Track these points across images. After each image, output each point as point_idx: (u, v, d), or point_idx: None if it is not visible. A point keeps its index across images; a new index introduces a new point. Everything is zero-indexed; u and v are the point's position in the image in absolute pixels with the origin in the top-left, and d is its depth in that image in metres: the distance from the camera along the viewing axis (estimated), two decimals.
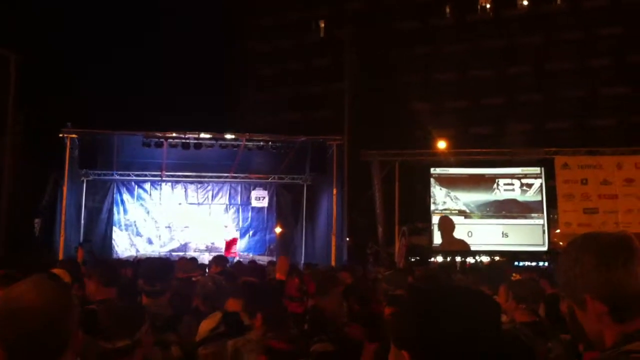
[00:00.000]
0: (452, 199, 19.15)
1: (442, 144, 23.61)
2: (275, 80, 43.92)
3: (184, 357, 3.35)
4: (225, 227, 19.74)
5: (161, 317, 3.81)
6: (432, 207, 19.04)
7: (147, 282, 4.12)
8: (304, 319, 4.88)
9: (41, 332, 1.58)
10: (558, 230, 19.87)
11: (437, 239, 18.72)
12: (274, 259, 18.27)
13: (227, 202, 20.45)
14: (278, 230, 20.58)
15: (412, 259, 19.02)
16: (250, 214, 20.56)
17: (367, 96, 34.76)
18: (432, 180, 19.35)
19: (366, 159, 19.45)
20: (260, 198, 20.40)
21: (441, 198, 19.21)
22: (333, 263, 15.87)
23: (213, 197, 20.45)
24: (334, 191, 17.53)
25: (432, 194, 19.18)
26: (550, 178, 19.02)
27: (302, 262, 17.23)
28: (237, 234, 19.72)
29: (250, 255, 18.75)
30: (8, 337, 1.58)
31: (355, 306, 5.73)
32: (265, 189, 20.55)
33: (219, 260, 9.04)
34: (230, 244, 18.86)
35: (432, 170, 19.56)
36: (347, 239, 19.06)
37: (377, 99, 37.35)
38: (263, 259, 17.45)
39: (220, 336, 2.82)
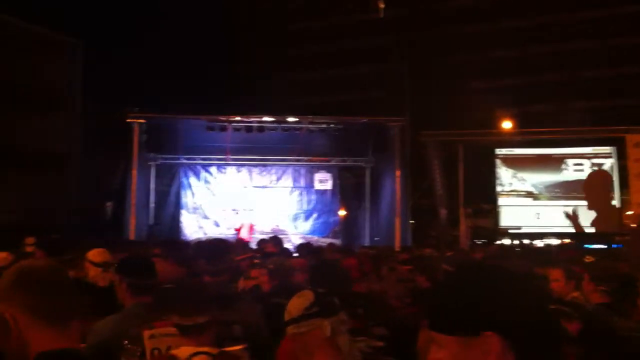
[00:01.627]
0: (518, 180, 18.75)
1: (507, 124, 23.04)
2: (327, 61, 43.69)
3: (246, 335, 3.41)
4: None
5: (222, 296, 3.93)
6: (498, 188, 18.70)
7: (208, 262, 4.27)
8: (361, 301, 4.89)
9: None
10: (630, 212, 19.18)
11: (504, 220, 18.36)
12: (339, 241, 18.39)
13: (291, 185, 20.58)
14: (341, 212, 20.61)
15: (478, 242, 18.73)
16: (314, 196, 20.62)
17: (425, 76, 34.24)
18: (497, 161, 18.95)
19: (427, 140, 19.18)
20: (323, 180, 20.42)
21: (507, 179, 18.82)
22: (397, 245, 15.78)
23: (277, 180, 20.60)
24: (397, 173, 17.39)
25: (497, 175, 18.79)
26: (621, 157, 18.33)
27: (366, 244, 17.24)
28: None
29: (315, 237, 18.82)
30: None
31: (424, 283, 5.71)
32: (329, 172, 20.56)
33: (275, 241, 9.17)
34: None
35: (497, 151, 19.14)
36: (411, 221, 18.92)
37: (435, 79, 36.74)
38: (327, 242, 17.53)
39: (315, 315, 2.81)
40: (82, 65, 21.00)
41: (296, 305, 2.87)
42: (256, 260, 6.60)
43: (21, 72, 19.21)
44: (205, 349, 2.71)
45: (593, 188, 18.55)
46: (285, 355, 3.16)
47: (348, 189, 20.76)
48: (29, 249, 6.58)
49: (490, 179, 19.35)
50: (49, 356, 1.81)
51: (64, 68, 20.80)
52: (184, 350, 2.65)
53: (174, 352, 2.69)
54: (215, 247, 4.94)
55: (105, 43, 20.94)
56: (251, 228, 18.48)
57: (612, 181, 18.60)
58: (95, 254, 4.96)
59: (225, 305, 3.64)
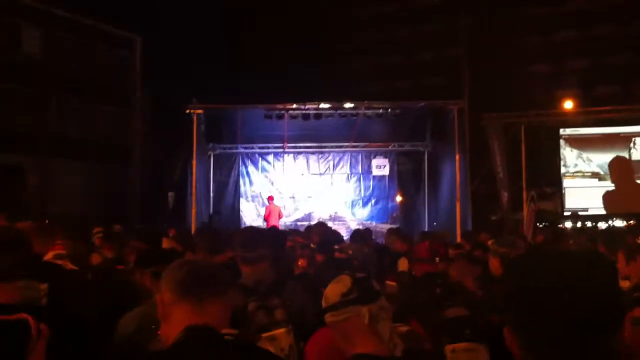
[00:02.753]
0: (584, 161, 18.09)
1: (568, 104, 22.23)
2: (383, 47, 43.20)
3: (288, 320, 3.42)
4: (295, 200, 19.77)
5: (263, 282, 4.00)
6: (563, 169, 18.08)
7: (243, 250, 4.25)
8: (436, 280, 4.80)
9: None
10: None
11: (569, 203, 17.75)
12: (397, 227, 18.19)
13: (349, 172, 20.51)
14: (399, 198, 20.41)
15: (541, 225, 18.20)
16: (371, 182, 20.49)
17: (484, 60, 33.42)
18: (561, 141, 18.31)
19: (489, 122, 18.72)
20: (381, 166, 20.27)
21: (572, 160, 18.19)
22: (458, 231, 15.51)
23: (334, 166, 20.57)
24: (457, 157, 17.04)
25: (562, 156, 18.17)
26: None
27: (426, 230, 17.02)
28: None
29: (373, 223, 18.72)
30: None
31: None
32: (386, 157, 20.38)
33: (319, 228, 9.10)
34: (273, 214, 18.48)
35: (561, 131, 18.49)
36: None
37: (494, 62, 35.80)
38: (385, 227, 17.37)
39: (353, 302, 2.71)
40: (142, 59, 21.52)
41: (333, 291, 2.78)
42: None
43: (87, 67, 19.85)
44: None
45: None
46: (323, 343, 3.13)
47: (406, 175, 20.53)
48: (97, 239, 6.75)
49: (554, 160, 18.73)
50: None
51: (126, 63, 21.36)
52: None
53: None
54: (250, 235, 4.93)
55: (162, 37, 21.31)
56: (280, 214, 18.47)
57: None
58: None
59: (266, 292, 3.78)
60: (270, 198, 18.81)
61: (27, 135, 17.53)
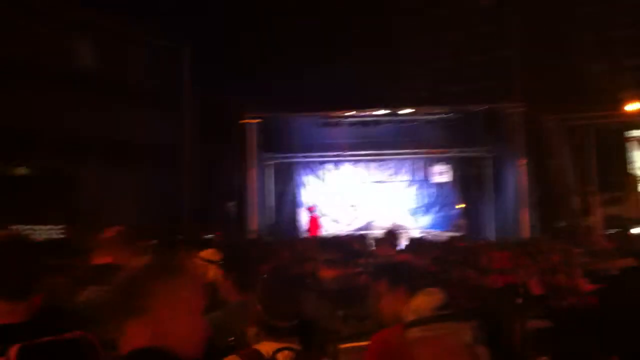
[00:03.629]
0: None
1: (636, 105, 21.18)
2: (434, 51, 42.46)
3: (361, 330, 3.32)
4: (355, 209, 19.54)
5: (345, 291, 3.99)
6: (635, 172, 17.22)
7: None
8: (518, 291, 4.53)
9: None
10: None
11: None
12: (462, 234, 17.69)
13: (409, 179, 20.11)
14: (460, 205, 19.87)
15: (611, 231, 17.34)
16: (433, 189, 20.04)
17: (538, 60, 32.46)
18: (628, 144, 17.48)
19: (552, 125, 18.01)
20: (442, 173, 19.82)
21: None
22: (527, 237, 14.95)
23: (394, 174, 20.21)
24: (523, 161, 16.46)
25: (632, 158, 17.34)
26: None
27: (492, 237, 16.48)
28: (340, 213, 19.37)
29: (436, 231, 18.25)
30: None
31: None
32: (447, 163, 19.90)
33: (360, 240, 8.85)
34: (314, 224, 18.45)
35: (628, 133, 17.66)
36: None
37: (549, 62, 34.68)
38: (448, 236, 16.92)
39: (449, 318, 2.44)
40: (191, 67, 21.62)
41: (424, 303, 2.52)
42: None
43: (138, 75, 20.13)
44: (288, 344, 2.71)
45: None
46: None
47: (468, 181, 19.97)
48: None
49: (623, 163, 17.89)
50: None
51: (175, 70, 21.56)
52: (267, 346, 2.65)
53: (257, 346, 2.70)
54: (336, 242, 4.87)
55: (212, 43, 21.36)
56: (316, 222, 18.30)
57: None
58: (208, 254, 4.97)
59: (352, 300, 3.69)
60: (312, 208, 18.75)
61: (80, 143, 17.81)
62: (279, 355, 2.70)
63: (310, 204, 19.29)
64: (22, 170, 18.28)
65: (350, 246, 7.07)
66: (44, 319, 2.29)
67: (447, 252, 8.32)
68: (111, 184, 17.57)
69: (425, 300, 2.53)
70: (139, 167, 18.68)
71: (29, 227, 16.13)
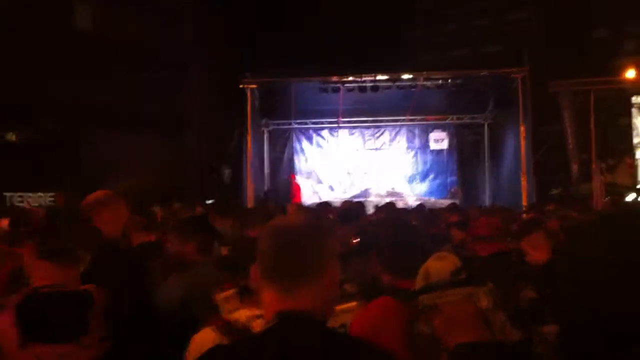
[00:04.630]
0: None
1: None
2: (440, 16, 42.00)
3: (362, 292, 3.30)
4: (351, 176, 19.54)
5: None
6: (635, 140, 17.05)
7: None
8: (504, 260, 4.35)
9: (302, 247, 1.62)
10: None
11: None
12: (457, 202, 17.57)
13: (406, 146, 19.92)
14: (459, 172, 19.73)
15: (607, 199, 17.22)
16: (429, 156, 19.86)
17: (540, 25, 32.11)
18: (633, 110, 17.28)
19: (556, 89, 17.75)
20: (439, 140, 19.63)
21: None
22: (524, 204, 14.82)
23: (391, 141, 20.01)
24: (522, 128, 16.26)
25: (634, 126, 17.16)
26: None
27: (488, 204, 16.36)
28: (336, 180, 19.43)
29: (432, 199, 18.12)
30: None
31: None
32: (444, 130, 19.70)
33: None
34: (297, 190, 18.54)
35: (633, 99, 17.44)
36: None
37: (557, 28, 34.31)
38: (444, 203, 16.80)
39: (465, 283, 2.29)
40: (194, 29, 21.23)
41: (439, 269, 2.36)
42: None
43: (140, 38, 19.73)
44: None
45: None
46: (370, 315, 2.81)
47: (466, 148, 19.79)
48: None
49: (626, 130, 17.71)
50: None
51: (181, 35, 21.18)
52: (242, 314, 2.56)
53: (234, 315, 2.59)
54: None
55: (214, 8, 20.96)
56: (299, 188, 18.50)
57: None
58: None
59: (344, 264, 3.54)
60: (293, 175, 18.86)
61: (79, 107, 17.52)
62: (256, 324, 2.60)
63: (291, 172, 19.32)
64: (26, 136, 18.10)
65: (343, 212, 7.05)
66: None
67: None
68: (113, 150, 17.35)
69: (438, 265, 2.39)
70: (141, 132, 18.45)
71: (31, 194, 16.04)
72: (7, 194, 16.05)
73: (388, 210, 8.40)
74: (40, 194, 16.06)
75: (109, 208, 3.43)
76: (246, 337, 1.74)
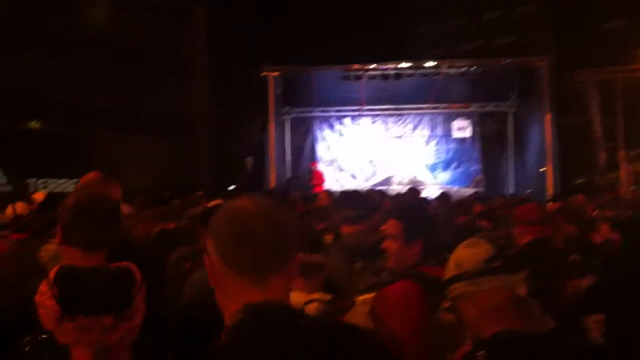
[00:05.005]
0: None
1: None
2: (461, 6, 41.48)
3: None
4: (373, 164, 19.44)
5: (364, 245, 3.94)
6: None
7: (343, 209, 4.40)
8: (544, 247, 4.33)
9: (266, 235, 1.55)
10: None
11: None
12: (480, 190, 17.46)
13: (429, 134, 19.75)
14: (482, 161, 19.55)
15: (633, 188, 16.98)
16: (452, 145, 19.68)
17: (565, 13, 31.54)
18: None
19: (582, 78, 17.49)
20: (462, 128, 19.44)
21: None
22: (549, 194, 14.67)
23: (413, 129, 19.86)
24: (547, 117, 16.05)
25: None
26: None
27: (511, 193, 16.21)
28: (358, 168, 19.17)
29: (455, 188, 17.99)
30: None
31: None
32: (467, 119, 19.50)
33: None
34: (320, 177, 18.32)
35: None
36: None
37: (576, 15, 33.74)
38: (467, 192, 16.71)
39: (500, 270, 2.22)
40: (207, 28, 21.18)
41: (472, 256, 2.29)
42: None
43: (150, 40, 19.78)
44: (317, 296, 2.76)
45: None
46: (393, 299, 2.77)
47: (489, 137, 19.59)
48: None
49: None
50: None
51: (191, 33, 21.19)
52: (295, 297, 2.53)
53: None
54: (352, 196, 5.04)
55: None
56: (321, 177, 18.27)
57: None
58: None
59: (369, 254, 3.72)
60: (315, 163, 18.71)
61: (93, 109, 17.71)
62: (310, 307, 2.65)
63: (313, 160, 19.20)
64: (38, 127, 18.26)
65: (368, 201, 6.97)
66: None
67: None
68: (125, 150, 17.49)
69: (471, 252, 2.31)
70: (151, 130, 18.59)
71: (43, 180, 16.18)
72: (31, 180, 16.24)
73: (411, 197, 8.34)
74: (63, 180, 16.23)
75: (108, 189, 3.44)
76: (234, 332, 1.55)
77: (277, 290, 1.56)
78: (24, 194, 10.43)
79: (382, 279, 3.27)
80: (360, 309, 2.85)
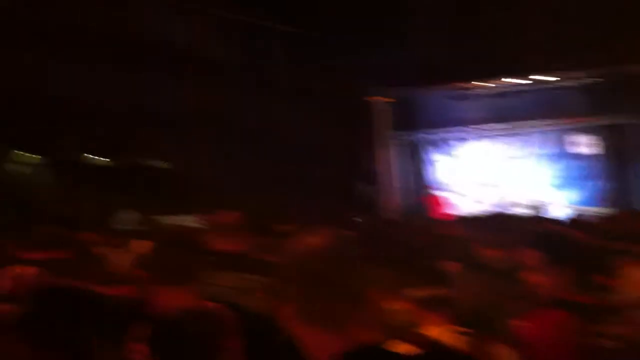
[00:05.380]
0: None
1: None
2: (565, 14, 39.82)
3: None
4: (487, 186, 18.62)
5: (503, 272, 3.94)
6: None
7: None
8: None
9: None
10: None
11: None
12: (611, 209, 16.16)
13: (549, 152, 18.68)
14: (608, 178, 18.20)
15: None
16: (576, 162, 18.49)
17: None
18: None
19: None
20: (585, 144, 18.25)
21: None
22: None
23: (528, 147, 18.88)
24: None
25: None
26: None
27: None
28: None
29: (584, 207, 16.78)
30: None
31: None
32: (591, 133, 18.29)
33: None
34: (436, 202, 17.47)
35: None
36: None
37: None
38: (597, 211, 15.49)
39: None
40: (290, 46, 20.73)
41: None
42: None
43: (235, 58, 19.55)
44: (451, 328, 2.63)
45: None
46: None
47: (616, 151, 18.25)
48: None
49: None
50: None
51: (275, 51, 20.81)
52: (433, 330, 2.45)
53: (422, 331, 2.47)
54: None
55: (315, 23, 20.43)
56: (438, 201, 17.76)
57: None
58: None
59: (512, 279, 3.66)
60: (431, 187, 18.36)
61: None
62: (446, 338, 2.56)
63: (423, 184, 18.77)
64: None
65: (508, 225, 6.70)
66: None
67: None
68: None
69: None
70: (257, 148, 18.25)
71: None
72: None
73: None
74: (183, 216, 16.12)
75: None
76: None
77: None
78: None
79: (527, 308, 3.26)
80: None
